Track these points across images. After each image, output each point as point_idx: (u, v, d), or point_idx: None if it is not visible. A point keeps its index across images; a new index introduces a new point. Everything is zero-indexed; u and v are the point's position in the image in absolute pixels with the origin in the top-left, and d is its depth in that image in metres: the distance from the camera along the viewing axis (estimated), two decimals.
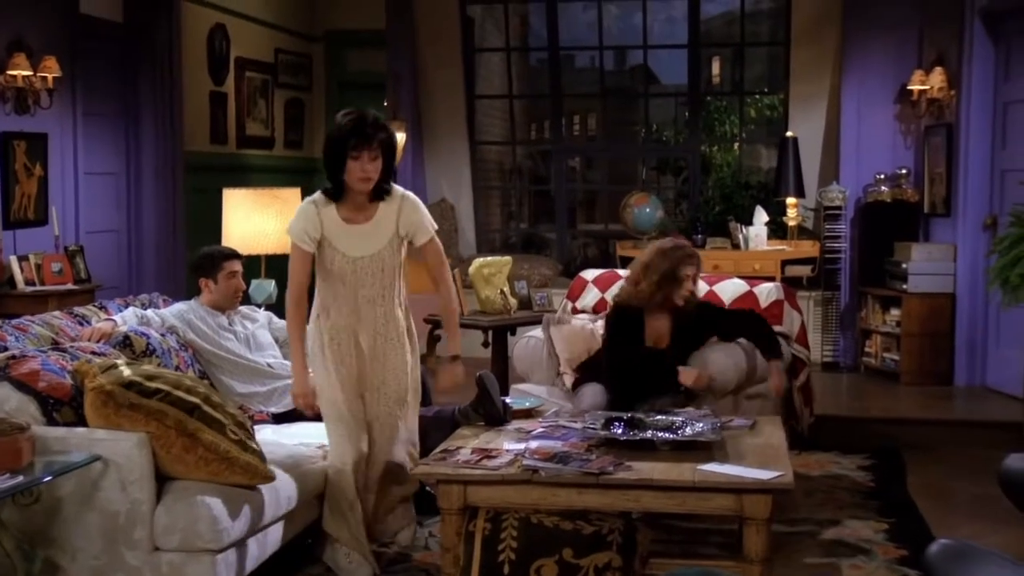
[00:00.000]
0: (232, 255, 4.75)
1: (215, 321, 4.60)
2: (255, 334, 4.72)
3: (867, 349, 7.56)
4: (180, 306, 4.66)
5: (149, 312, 4.56)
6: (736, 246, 7.74)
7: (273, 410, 4.50)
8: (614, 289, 5.26)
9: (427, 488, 4.70)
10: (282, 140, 10.15)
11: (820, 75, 8.08)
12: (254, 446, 3.35)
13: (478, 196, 9.20)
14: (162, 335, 4.38)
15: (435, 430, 4.37)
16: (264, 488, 3.44)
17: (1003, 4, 6.57)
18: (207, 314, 4.62)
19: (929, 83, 7.21)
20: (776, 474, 3.55)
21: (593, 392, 4.67)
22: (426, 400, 4.77)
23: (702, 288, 5.41)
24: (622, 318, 4.80)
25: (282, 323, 4.93)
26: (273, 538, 3.60)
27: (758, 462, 3.71)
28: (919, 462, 5.65)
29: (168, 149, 8.03)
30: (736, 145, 10.55)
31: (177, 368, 4.25)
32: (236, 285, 4.68)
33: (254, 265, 5.99)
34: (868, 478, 5.35)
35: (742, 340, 5.05)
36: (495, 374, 5.62)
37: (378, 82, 9.44)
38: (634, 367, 4.67)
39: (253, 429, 3.48)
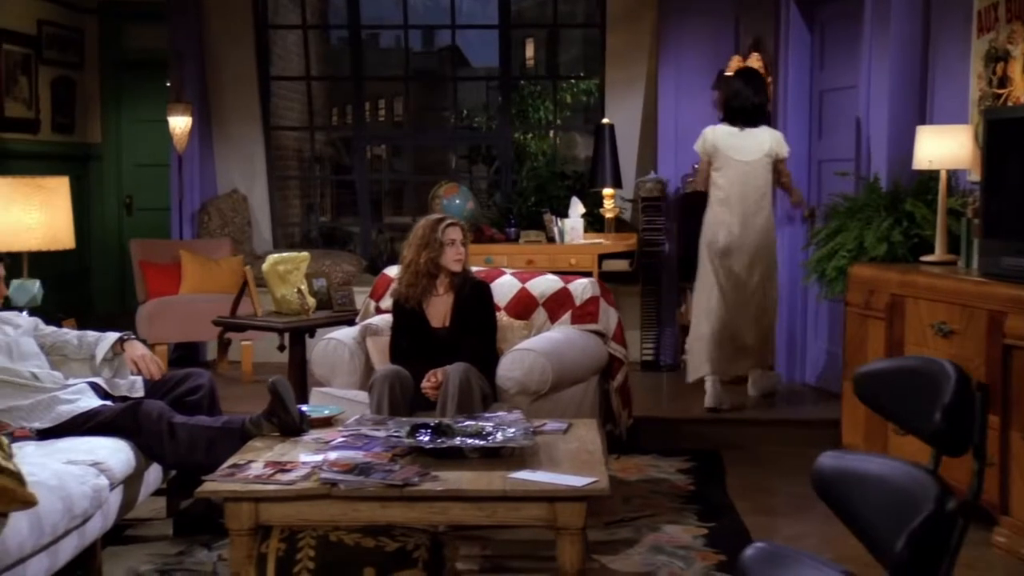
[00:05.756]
0: None
1: None
2: (18, 341, 4.49)
3: (687, 347, 7.77)
4: None
5: None
6: (551, 239, 7.84)
7: (37, 425, 4.29)
8: None
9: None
10: (49, 123, 9.72)
11: (637, 60, 8.28)
12: (11, 467, 3.17)
13: (274, 187, 9.04)
14: None
15: (224, 441, 4.27)
16: (23, 515, 3.27)
17: None
18: None
19: None
20: (590, 480, 3.61)
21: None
22: (214, 409, 4.66)
23: (513, 284, 5.51)
24: (399, 311, 5.08)
25: (49, 329, 4.72)
26: (35, 570, 3.43)
27: (572, 468, 3.76)
28: (738, 463, 5.86)
29: None
30: (551, 133, 10.71)
31: None
32: None
33: (15, 264, 5.69)
34: (687, 481, 5.52)
35: (556, 335, 5.18)
36: (292, 379, 5.57)
37: (161, 60, 9.15)
38: (415, 354, 4.92)
39: (11, 448, 3.30)
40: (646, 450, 6.00)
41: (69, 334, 4.71)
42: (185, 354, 7.79)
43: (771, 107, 7.31)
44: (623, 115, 8.24)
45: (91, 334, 4.71)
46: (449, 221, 5.07)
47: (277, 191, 9.34)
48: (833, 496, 2.53)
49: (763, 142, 6.40)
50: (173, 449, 4.30)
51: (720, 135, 6.45)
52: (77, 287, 10.23)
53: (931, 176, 5.49)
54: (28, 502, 3.20)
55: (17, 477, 3.18)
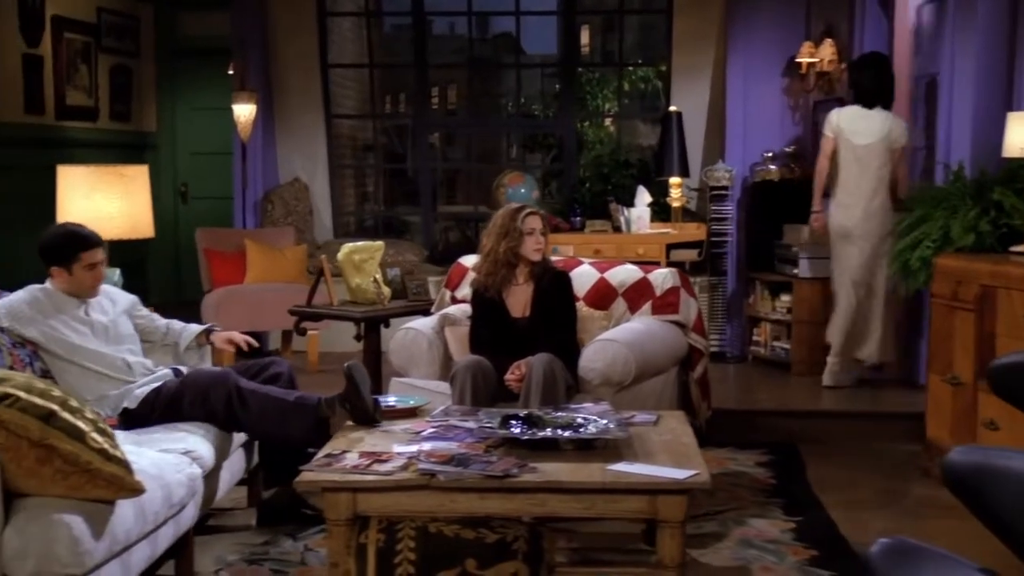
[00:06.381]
0: (92, 243, 4.43)
1: (69, 313, 4.38)
2: (116, 322, 4.53)
3: (755, 338, 7.76)
4: (19, 297, 4.39)
5: None
6: (617, 229, 7.83)
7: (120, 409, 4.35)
8: None
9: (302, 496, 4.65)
10: (107, 111, 9.81)
11: (704, 47, 8.25)
12: (118, 455, 3.21)
13: (335, 175, 9.07)
14: None
15: (296, 416, 4.32)
16: (128, 504, 3.30)
17: None
18: (57, 305, 4.37)
19: (819, 55, 7.43)
20: (692, 473, 3.60)
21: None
22: (291, 383, 4.68)
23: (591, 274, 5.51)
24: (479, 301, 5.09)
25: (145, 312, 4.78)
26: (138, 559, 3.46)
27: (669, 460, 3.76)
28: (817, 456, 5.82)
29: None
30: (610, 121, 10.68)
31: (11, 369, 4.05)
32: (96, 276, 4.44)
33: None
34: (768, 475, 5.49)
35: (638, 326, 5.18)
36: (367, 369, 5.58)
37: (218, 48, 9.21)
38: (496, 343, 4.92)
39: (115, 437, 3.34)
40: (722, 443, 5.96)
41: (159, 321, 4.78)
42: None
43: (844, 93, 7.30)
44: (689, 103, 8.21)
45: (177, 323, 4.82)
46: (529, 210, 5.07)
47: (335, 179, 9.38)
48: (968, 492, 2.50)
49: (881, 127, 6.56)
50: (245, 417, 4.33)
51: (844, 117, 6.67)
52: (132, 276, 10.30)
53: (1020, 164, 5.42)
54: (136, 490, 3.23)
55: (125, 465, 3.21)
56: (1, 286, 4.83)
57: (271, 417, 4.35)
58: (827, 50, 7.38)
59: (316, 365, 7.34)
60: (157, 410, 4.35)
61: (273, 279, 7.48)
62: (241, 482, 4.77)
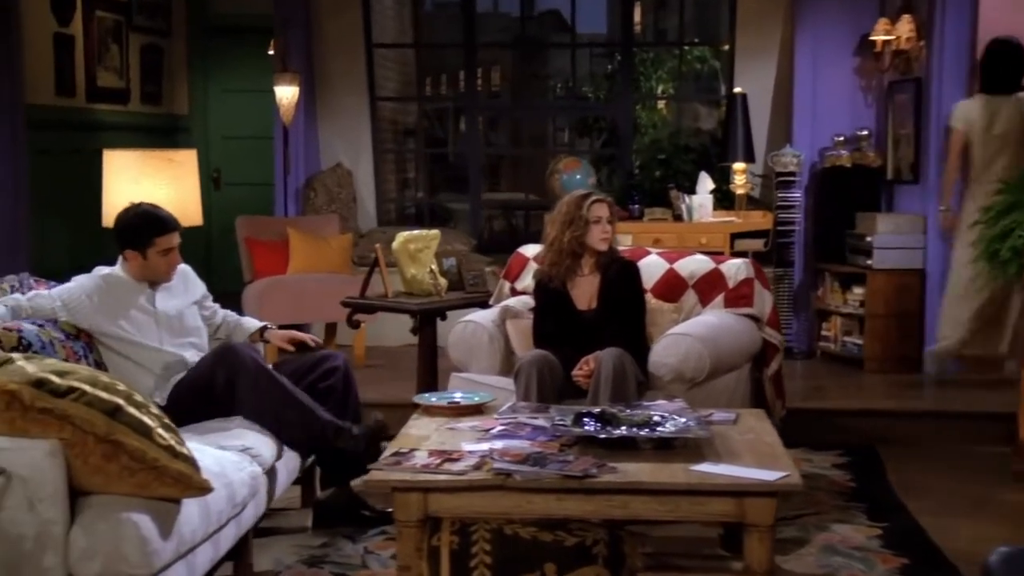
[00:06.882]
0: (169, 226, 4.45)
1: (134, 303, 4.41)
2: (183, 314, 4.56)
3: (824, 332, 7.72)
4: (80, 286, 4.40)
5: (18, 297, 4.35)
6: (678, 217, 7.80)
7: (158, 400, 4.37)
8: None
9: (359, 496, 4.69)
10: (138, 93, 9.87)
11: (770, 25, 8.20)
12: (185, 452, 3.24)
13: (379, 161, 9.10)
14: (40, 325, 4.20)
15: (290, 410, 4.34)
16: (193, 503, 3.33)
17: None
18: (121, 295, 4.39)
19: (895, 33, 7.37)
20: (782, 474, 3.59)
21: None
22: (349, 393, 4.68)
23: (659, 264, 5.49)
24: (542, 292, 5.09)
25: (208, 303, 4.80)
26: (202, 560, 3.50)
27: (754, 461, 3.75)
28: (897, 458, 5.80)
29: (5, 102, 7.69)
30: (663, 103, 10.65)
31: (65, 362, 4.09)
32: (171, 262, 4.47)
33: None
34: (846, 477, 5.48)
35: (711, 319, 5.17)
36: (423, 363, 5.62)
37: (252, 26, 9.27)
38: (561, 337, 4.91)
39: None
40: (794, 443, 5.90)
41: (218, 315, 4.82)
42: None
43: (923, 73, 7.25)
44: (754, 84, 8.16)
45: (232, 316, 4.85)
46: (595, 198, 5.05)
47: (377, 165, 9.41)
48: None
49: (1015, 112, 6.52)
50: (247, 392, 4.31)
51: (974, 107, 6.59)
52: None
53: None
54: (204, 489, 3.26)
55: (192, 463, 3.24)
56: (34, 271, 4.89)
57: (273, 405, 4.30)
58: (905, 27, 7.31)
59: (363, 360, 7.34)
60: (184, 387, 4.37)
61: (317, 269, 7.51)
62: (295, 481, 4.79)
